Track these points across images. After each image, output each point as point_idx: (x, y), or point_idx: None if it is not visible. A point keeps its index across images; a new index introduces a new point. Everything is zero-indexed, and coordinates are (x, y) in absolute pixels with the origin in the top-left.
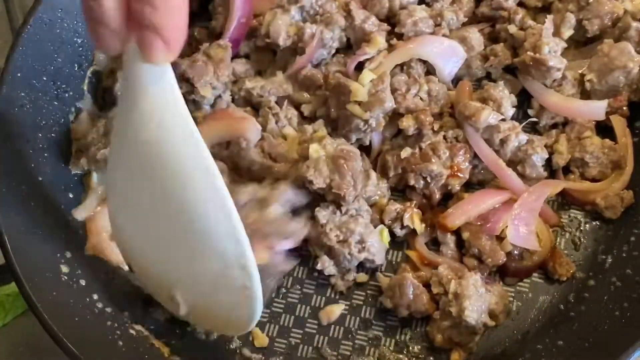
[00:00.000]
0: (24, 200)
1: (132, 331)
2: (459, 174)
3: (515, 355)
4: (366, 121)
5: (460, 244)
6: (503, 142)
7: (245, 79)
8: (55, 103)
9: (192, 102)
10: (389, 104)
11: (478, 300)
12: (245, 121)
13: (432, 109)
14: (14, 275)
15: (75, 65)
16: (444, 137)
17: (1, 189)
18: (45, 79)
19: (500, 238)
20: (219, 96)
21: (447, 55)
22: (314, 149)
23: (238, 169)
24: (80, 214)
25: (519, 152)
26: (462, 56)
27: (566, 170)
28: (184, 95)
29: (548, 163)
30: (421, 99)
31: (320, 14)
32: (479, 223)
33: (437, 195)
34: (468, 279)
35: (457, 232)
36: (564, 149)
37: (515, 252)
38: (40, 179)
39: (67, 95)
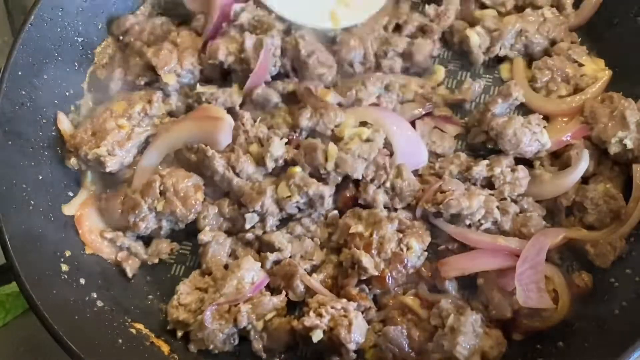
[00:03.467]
0: (24, 198)
1: (132, 330)
2: (385, 282)
3: (515, 356)
4: (328, 172)
5: (465, 285)
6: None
7: (196, 84)
8: (56, 101)
9: (161, 91)
10: (358, 174)
11: (473, 339)
12: (219, 122)
13: (394, 204)
14: (15, 274)
15: (75, 64)
16: (400, 240)
17: (1, 188)
18: (45, 77)
19: (513, 292)
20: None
21: (410, 151)
22: (282, 189)
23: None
24: (68, 209)
25: (517, 218)
26: (423, 161)
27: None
28: (148, 84)
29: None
30: (386, 192)
31: (259, 27)
32: (495, 273)
33: (354, 282)
34: (468, 316)
35: (469, 277)
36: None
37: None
38: (40, 177)
39: (67, 93)
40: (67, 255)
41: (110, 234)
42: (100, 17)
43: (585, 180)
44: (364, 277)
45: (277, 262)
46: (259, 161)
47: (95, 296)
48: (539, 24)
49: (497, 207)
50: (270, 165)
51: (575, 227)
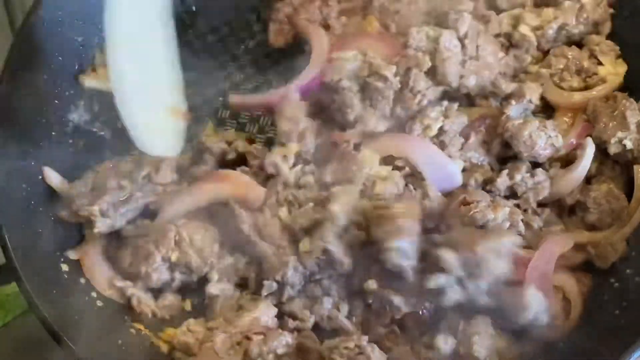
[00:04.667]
0: (24, 198)
1: (132, 330)
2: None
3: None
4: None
5: None
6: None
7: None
8: (56, 101)
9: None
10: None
11: (487, 339)
12: (252, 186)
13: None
14: (15, 274)
15: (76, 63)
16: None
17: (2, 187)
18: (45, 77)
19: None
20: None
21: (441, 177)
22: (304, 245)
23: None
24: (72, 254)
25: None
26: (456, 184)
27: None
28: None
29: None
30: None
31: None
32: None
33: (384, 322)
34: (477, 317)
35: None
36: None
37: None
38: (40, 177)
39: (67, 93)
40: (68, 255)
41: (120, 283)
42: (101, 17)
43: (588, 180)
44: (398, 317)
45: (297, 330)
46: (286, 227)
47: (95, 296)
48: (576, 12)
49: (522, 221)
50: (299, 234)
51: (578, 228)
